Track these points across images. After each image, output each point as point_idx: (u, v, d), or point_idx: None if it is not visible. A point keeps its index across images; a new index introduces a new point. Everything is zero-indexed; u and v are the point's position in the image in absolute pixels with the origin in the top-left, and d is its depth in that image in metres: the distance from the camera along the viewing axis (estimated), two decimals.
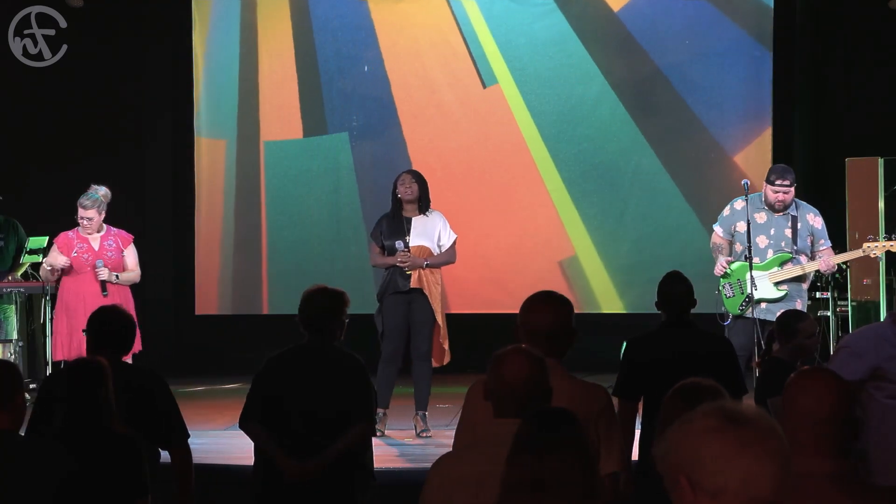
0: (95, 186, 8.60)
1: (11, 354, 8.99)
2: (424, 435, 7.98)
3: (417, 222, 8.19)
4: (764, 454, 2.15)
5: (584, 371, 10.52)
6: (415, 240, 8.14)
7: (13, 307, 9.14)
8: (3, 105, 11.21)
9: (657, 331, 5.59)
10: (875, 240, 7.94)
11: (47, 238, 9.23)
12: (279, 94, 11.38)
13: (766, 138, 11.20)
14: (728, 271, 7.83)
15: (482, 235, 11.12)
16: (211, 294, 11.47)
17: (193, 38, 11.41)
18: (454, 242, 8.28)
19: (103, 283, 8.41)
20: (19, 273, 9.43)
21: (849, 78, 11.08)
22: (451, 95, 11.31)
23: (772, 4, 11.16)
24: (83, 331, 6.15)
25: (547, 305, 4.15)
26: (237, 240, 11.46)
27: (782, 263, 7.76)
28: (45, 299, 9.12)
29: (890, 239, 7.91)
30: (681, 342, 5.42)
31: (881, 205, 9.90)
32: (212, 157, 11.46)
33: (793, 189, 7.82)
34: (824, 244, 7.92)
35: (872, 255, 7.95)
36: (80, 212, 8.55)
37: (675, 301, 5.54)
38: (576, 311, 4.25)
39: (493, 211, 11.25)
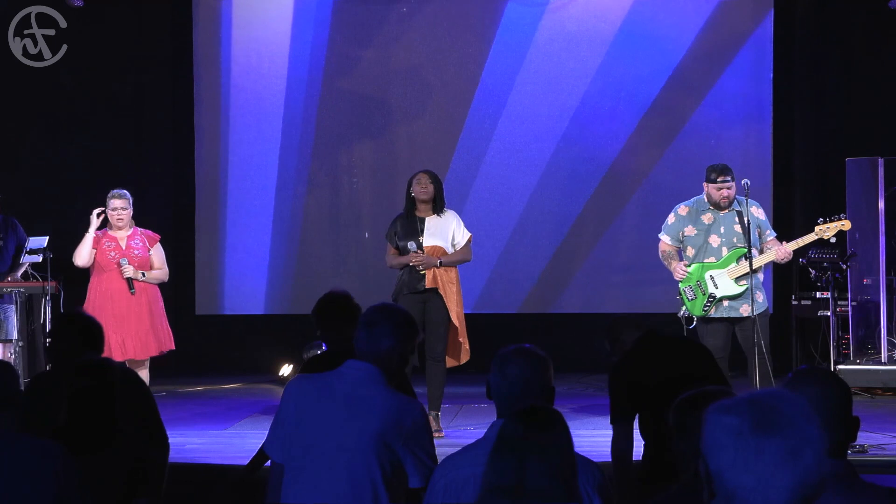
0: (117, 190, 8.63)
1: (11, 354, 8.98)
2: (438, 435, 7.87)
3: (431, 222, 8.16)
4: None
5: (583, 371, 10.53)
6: (428, 240, 8.10)
7: (13, 307, 9.13)
8: (2, 105, 11.20)
9: (636, 349, 5.31)
10: (826, 221, 7.89)
11: (47, 238, 9.22)
12: (278, 96, 11.37)
13: (765, 138, 11.19)
14: (688, 274, 7.83)
15: (483, 236, 11.12)
16: (211, 294, 11.48)
17: (194, 37, 11.43)
18: (469, 241, 8.25)
19: (129, 281, 8.40)
20: (19, 273, 9.42)
21: (849, 78, 11.07)
22: (448, 94, 11.33)
23: (772, 4, 11.16)
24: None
25: None
26: (237, 240, 11.46)
27: (738, 259, 7.76)
28: (45, 299, 9.11)
29: (840, 219, 7.88)
30: (664, 355, 5.24)
31: (881, 205, 9.89)
32: (211, 157, 11.46)
33: (734, 184, 7.82)
34: (770, 234, 7.91)
35: (825, 237, 7.92)
36: (113, 203, 8.52)
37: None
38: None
39: (494, 211, 11.26)
